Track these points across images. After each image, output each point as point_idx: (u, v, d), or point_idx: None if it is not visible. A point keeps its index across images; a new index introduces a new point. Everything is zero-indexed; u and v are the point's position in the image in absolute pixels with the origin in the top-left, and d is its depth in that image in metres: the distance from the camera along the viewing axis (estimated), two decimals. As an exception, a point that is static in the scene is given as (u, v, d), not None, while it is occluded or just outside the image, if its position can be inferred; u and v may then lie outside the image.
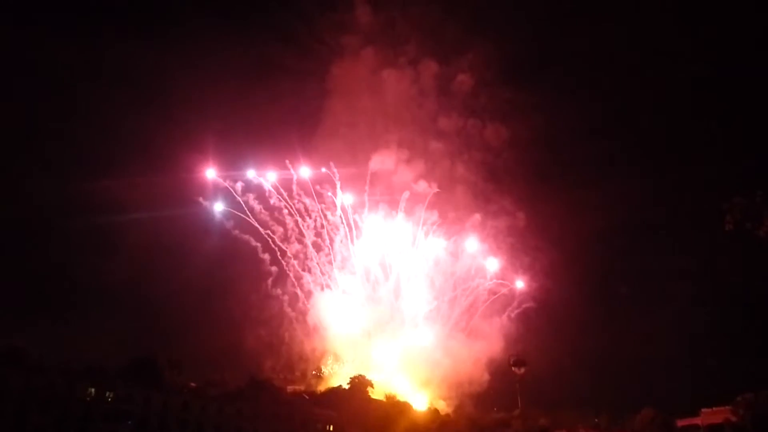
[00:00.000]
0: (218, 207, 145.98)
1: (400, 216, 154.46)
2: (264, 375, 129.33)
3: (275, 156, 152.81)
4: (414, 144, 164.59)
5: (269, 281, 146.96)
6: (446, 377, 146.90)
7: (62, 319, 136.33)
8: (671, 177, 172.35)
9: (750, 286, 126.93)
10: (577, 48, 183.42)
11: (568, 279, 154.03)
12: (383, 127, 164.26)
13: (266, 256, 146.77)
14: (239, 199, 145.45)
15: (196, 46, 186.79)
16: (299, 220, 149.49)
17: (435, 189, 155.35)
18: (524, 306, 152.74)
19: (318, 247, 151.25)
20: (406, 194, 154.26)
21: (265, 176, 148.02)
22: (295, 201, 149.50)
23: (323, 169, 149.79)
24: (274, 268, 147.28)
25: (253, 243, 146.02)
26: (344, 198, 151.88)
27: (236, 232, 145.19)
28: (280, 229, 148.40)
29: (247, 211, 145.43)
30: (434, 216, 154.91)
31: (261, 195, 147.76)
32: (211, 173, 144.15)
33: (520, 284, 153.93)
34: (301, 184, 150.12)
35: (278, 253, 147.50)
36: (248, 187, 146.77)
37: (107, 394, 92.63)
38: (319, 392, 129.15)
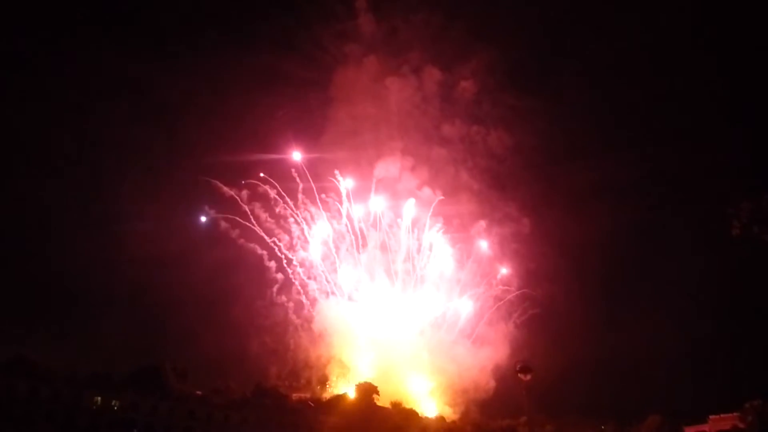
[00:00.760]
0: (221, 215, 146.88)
1: (406, 223, 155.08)
2: (269, 382, 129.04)
3: (279, 164, 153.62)
4: (418, 151, 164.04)
5: (274, 288, 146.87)
6: (452, 384, 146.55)
7: (68, 327, 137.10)
8: (678, 181, 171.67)
9: (758, 292, 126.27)
10: (580, 53, 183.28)
11: (573, 285, 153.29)
12: (387, 134, 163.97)
13: (272, 264, 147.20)
14: (245, 207, 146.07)
15: (197, 55, 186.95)
16: (305, 228, 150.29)
17: (440, 196, 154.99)
18: (530, 312, 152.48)
19: (324, 255, 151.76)
20: (411, 201, 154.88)
21: (270, 184, 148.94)
22: (301, 209, 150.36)
23: (330, 177, 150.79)
24: (279, 275, 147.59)
25: (259, 251, 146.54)
26: (349, 205, 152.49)
27: (241, 240, 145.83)
28: (286, 237, 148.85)
29: (252, 220, 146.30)
30: (439, 223, 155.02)
31: (266, 203, 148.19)
32: (216, 182, 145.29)
33: (525, 291, 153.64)
34: (306, 192, 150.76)
35: (284, 261, 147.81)
36: (254, 196, 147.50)
37: (113, 403, 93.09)
38: (324, 399, 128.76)
